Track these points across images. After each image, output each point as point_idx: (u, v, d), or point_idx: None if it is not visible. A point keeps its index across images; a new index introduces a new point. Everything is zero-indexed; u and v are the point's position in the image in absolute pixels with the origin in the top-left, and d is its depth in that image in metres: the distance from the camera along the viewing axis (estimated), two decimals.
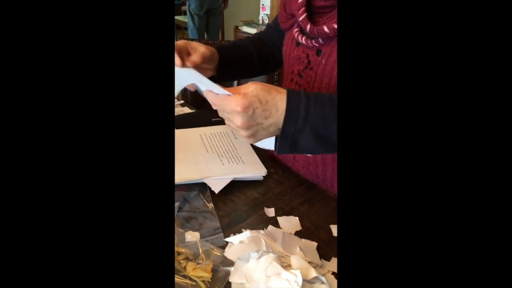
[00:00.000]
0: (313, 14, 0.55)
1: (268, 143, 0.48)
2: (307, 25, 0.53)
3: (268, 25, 0.82)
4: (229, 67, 0.64)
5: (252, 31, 2.85)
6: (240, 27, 3.01)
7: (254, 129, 0.43)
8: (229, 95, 0.42)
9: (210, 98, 0.44)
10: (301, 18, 0.55)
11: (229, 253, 0.43)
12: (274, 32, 0.74)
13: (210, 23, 2.90)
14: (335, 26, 0.50)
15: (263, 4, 2.90)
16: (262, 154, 0.66)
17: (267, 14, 2.84)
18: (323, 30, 0.51)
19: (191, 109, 0.91)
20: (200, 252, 0.44)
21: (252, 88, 0.42)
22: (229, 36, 3.64)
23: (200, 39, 2.84)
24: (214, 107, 0.45)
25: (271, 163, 0.65)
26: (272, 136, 0.45)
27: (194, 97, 1.20)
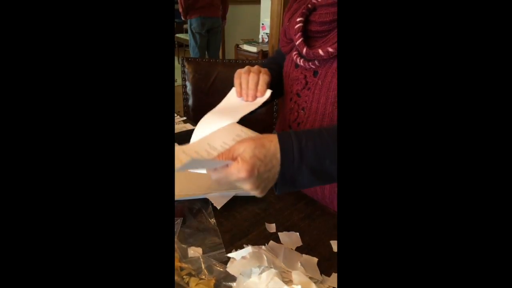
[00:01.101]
0: (309, 38, 0.59)
1: None
2: (304, 48, 0.57)
3: (276, 51, 0.86)
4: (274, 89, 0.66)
5: (252, 49, 2.92)
6: (240, 45, 3.08)
7: (263, 185, 0.43)
8: (227, 164, 0.42)
9: (214, 178, 0.44)
10: (297, 42, 0.58)
11: (231, 268, 0.44)
12: (280, 57, 0.77)
13: (211, 41, 2.97)
14: (330, 49, 0.53)
15: (263, 24, 2.98)
16: None
17: (266, 33, 2.91)
18: (318, 53, 0.55)
19: (193, 125, 0.92)
20: (203, 267, 0.45)
21: (245, 148, 0.42)
22: (230, 54, 3.72)
23: (201, 57, 2.90)
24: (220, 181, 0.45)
25: None
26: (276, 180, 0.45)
27: (195, 113, 1.22)
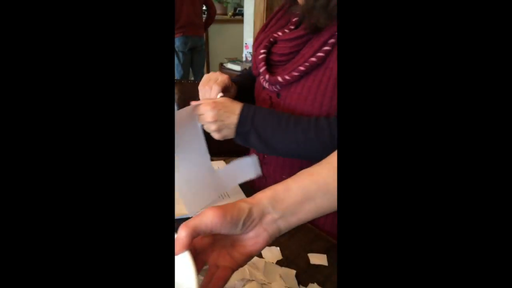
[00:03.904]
0: (271, 66, 0.70)
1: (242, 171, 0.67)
2: (266, 75, 0.69)
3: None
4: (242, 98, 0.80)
5: (237, 68, 2.99)
6: (224, 64, 3.15)
7: (219, 124, 0.60)
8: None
9: (200, 108, 0.61)
10: (261, 70, 0.70)
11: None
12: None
13: (194, 60, 3.02)
14: (286, 77, 0.64)
15: (246, 43, 3.06)
16: (247, 190, 0.72)
17: (250, 52, 3.00)
18: (277, 80, 0.66)
19: None
20: None
21: (221, 98, 0.63)
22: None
23: (186, 78, 2.95)
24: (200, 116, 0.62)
25: None
26: (231, 135, 0.62)
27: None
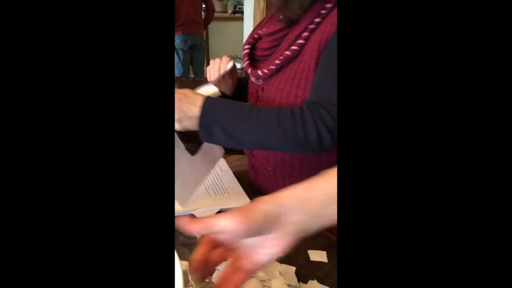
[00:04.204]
0: (256, 61, 0.73)
1: None
2: (249, 69, 0.71)
3: None
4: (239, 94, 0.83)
5: (237, 65, 2.98)
6: None
7: (179, 115, 0.58)
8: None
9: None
10: (245, 65, 0.73)
11: (216, 279, 0.48)
12: None
13: (194, 58, 3.02)
14: (265, 70, 0.66)
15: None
16: (245, 184, 0.72)
17: None
18: (257, 73, 0.68)
19: None
20: (190, 279, 0.48)
21: (184, 90, 0.61)
22: None
23: (185, 74, 2.95)
24: None
25: (254, 193, 0.70)
26: (192, 127, 0.59)
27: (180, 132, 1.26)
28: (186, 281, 0.48)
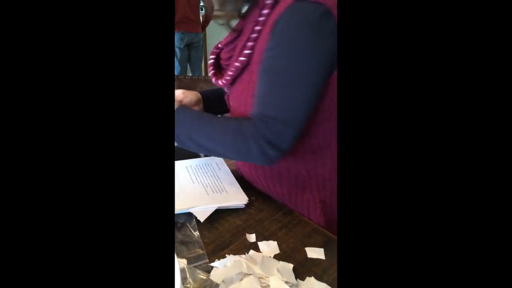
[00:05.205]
0: (222, 69, 0.73)
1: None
2: (213, 78, 0.72)
3: None
4: (212, 108, 0.84)
5: None
6: None
7: None
8: None
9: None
10: (210, 74, 0.74)
11: (214, 276, 0.48)
12: None
13: (192, 56, 3.01)
14: (223, 81, 0.67)
15: None
16: (243, 183, 0.72)
17: None
18: (218, 82, 0.69)
19: None
20: (188, 276, 0.48)
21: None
22: None
23: (182, 73, 2.94)
24: None
25: (251, 191, 0.70)
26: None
27: None
28: (184, 279, 0.48)
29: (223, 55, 0.71)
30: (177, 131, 0.61)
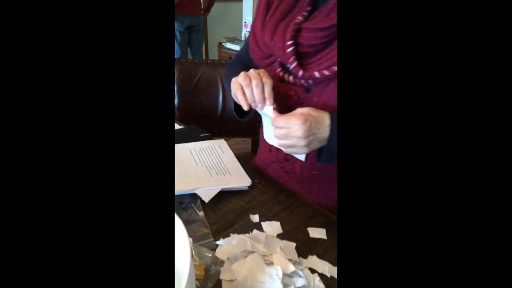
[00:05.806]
0: (301, 58, 0.62)
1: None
2: (299, 71, 0.60)
3: (237, 54, 0.90)
4: None
5: (235, 47, 2.95)
6: (223, 44, 3.11)
7: (310, 139, 0.55)
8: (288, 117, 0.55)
9: (278, 121, 0.56)
10: (292, 66, 0.61)
11: (219, 253, 0.49)
12: (248, 59, 0.79)
13: (192, 39, 2.98)
14: (326, 72, 0.58)
15: (245, 22, 3.01)
16: (246, 166, 0.73)
17: (249, 31, 2.94)
18: (314, 76, 0.60)
19: (180, 125, 0.97)
20: (194, 254, 0.50)
21: (302, 110, 0.55)
22: (213, 52, 3.73)
23: (184, 56, 2.91)
24: (278, 130, 0.56)
25: (255, 174, 0.72)
26: (321, 146, 0.57)
27: (181, 113, 1.26)
28: None
29: (308, 40, 0.59)
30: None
